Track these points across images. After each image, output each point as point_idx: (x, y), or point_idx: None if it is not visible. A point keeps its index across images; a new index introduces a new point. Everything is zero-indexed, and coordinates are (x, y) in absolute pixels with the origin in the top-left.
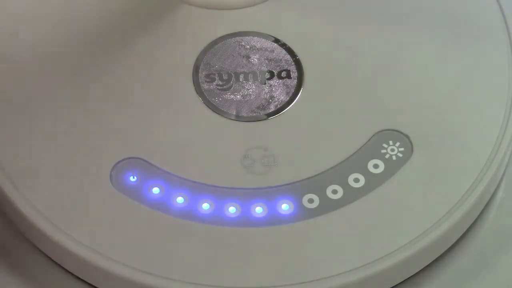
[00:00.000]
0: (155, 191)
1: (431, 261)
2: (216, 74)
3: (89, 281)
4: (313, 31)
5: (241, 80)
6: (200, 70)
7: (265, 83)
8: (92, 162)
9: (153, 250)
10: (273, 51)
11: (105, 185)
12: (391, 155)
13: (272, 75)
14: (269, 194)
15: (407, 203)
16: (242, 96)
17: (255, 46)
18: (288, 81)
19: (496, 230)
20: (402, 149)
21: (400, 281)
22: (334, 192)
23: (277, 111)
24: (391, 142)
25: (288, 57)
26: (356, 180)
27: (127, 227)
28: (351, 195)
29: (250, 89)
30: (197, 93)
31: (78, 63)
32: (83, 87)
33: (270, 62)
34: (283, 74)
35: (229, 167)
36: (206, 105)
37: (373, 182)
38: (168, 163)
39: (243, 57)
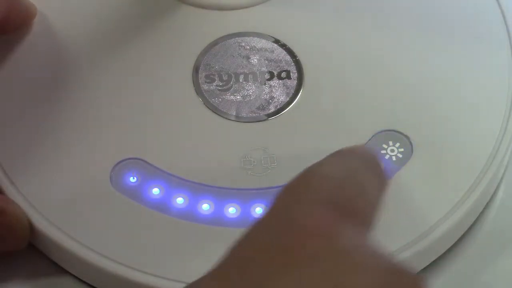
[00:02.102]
0: (155, 192)
1: (431, 261)
2: (216, 75)
3: (88, 281)
4: (313, 31)
5: (241, 80)
6: (200, 70)
7: (265, 84)
8: (92, 163)
9: (153, 251)
10: (273, 51)
11: (105, 186)
12: (391, 156)
13: (272, 75)
14: (269, 194)
15: (406, 203)
16: (242, 96)
17: (255, 47)
18: (288, 81)
19: (496, 230)
20: (402, 149)
21: None
22: None
23: (277, 111)
24: (391, 143)
25: (288, 57)
26: None
27: (127, 228)
28: None
29: (250, 89)
30: (197, 93)
31: (77, 63)
32: (83, 87)
33: (270, 63)
34: (283, 74)
35: (229, 167)
36: (206, 105)
37: None
38: (168, 164)
39: (243, 57)
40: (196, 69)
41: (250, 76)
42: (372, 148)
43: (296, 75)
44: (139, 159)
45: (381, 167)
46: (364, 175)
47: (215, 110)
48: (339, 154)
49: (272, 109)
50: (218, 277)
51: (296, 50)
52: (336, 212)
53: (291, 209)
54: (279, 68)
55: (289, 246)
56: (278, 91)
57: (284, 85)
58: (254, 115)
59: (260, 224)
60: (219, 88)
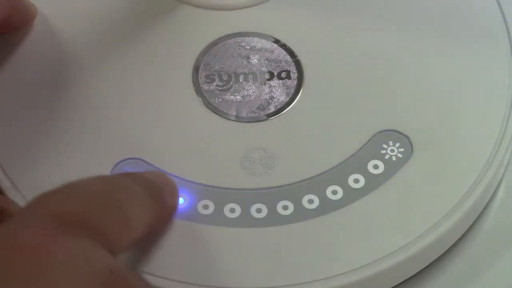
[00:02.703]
0: None
1: (431, 261)
2: (216, 75)
3: None
4: (313, 31)
5: (241, 80)
6: (200, 70)
7: (265, 84)
8: (92, 162)
9: (153, 251)
10: (273, 51)
11: None
12: (391, 156)
13: (272, 75)
14: (269, 194)
15: (407, 203)
16: (242, 96)
17: (255, 47)
18: (288, 81)
19: (496, 230)
20: (402, 149)
21: (400, 282)
22: (334, 192)
23: (277, 111)
24: (391, 143)
25: (288, 57)
26: (356, 180)
27: None
28: (351, 196)
29: (250, 89)
30: (197, 93)
31: (77, 64)
32: (83, 87)
33: (270, 63)
34: (283, 74)
35: (229, 167)
36: (206, 105)
37: (373, 182)
38: (168, 164)
39: (243, 57)
40: (196, 69)
41: (250, 76)
42: (167, 176)
43: (296, 75)
44: (139, 159)
45: (161, 193)
46: (126, 192)
47: (215, 110)
48: (119, 174)
49: (272, 109)
50: None
51: (296, 50)
52: (62, 226)
53: (14, 222)
54: (279, 68)
55: (3, 260)
56: (278, 91)
57: (284, 85)
58: (254, 115)
59: None
60: (219, 88)
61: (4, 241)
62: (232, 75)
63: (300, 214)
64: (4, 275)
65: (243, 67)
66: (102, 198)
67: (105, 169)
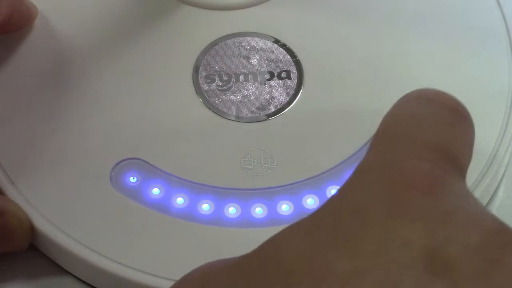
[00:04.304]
0: (155, 192)
1: None
2: (216, 75)
3: (88, 281)
4: (313, 31)
5: (241, 80)
6: (200, 70)
7: (265, 84)
8: (92, 162)
9: (153, 251)
10: (273, 51)
11: (105, 186)
12: None
13: (272, 75)
14: (269, 194)
15: None
16: (242, 96)
17: (255, 47)
18: (288, 81)
19: None
20: None
21: None
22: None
23: (277, 111)
24: None
25: (288, 57)
26: None
27: (127, 228)
28: None
29: (250, 89)
30: (197, 93)
31: (77, 64)
32: (83, 88)
33: (270, 63)
34: (283, 74)
35: (229, 167)
36: (206, 105)
37: None
38: (168, 164)
39: (243, 57)
40: (196, 69)
41: (250, 76)
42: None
43: (296, 75)
44: (139, 159)
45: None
46: (454, 119)
47: (215, 110)
48: (422, 98)
49: (272, 109)
50: (307, 231)
51: (296, 50)
52: (440, 162)
53: (398, 163)
54: (279, 68)
55: (395, 201)
56: (278, 91)
57: (284, 85)
58: (254, 115)
59: (362, 178)
60: (219, 88)
61: (399, 181)
62: (232, 75)
63: (300, 214)
64: (394, 216)
65: (243, 67)
66: (448, 127)
67: (105, 169)
